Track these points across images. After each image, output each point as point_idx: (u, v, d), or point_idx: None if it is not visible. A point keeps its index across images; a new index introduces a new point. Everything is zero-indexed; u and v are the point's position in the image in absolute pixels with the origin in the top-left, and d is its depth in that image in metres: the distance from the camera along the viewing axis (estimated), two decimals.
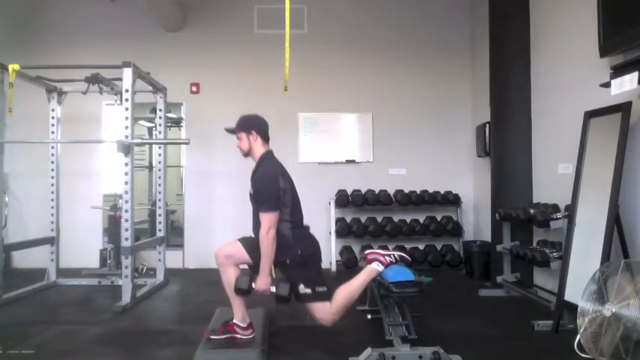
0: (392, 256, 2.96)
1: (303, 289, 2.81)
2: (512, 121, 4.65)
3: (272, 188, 2.83)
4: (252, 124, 3.00)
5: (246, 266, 2.99)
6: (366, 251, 3.14)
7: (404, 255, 3.00)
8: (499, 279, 4.53)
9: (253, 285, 2.82)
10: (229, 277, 2.88)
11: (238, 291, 2.84)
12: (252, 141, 2.97)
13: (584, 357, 2.78)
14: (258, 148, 2.99)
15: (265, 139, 3.02)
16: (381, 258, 2.96)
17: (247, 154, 3.02)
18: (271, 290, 2.81)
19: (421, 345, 2.72)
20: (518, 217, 4.14)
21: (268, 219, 2.76)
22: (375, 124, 6.25)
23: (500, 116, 4.79)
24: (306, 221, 3.03)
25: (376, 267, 2.95)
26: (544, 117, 4.40)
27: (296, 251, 2.85)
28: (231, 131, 3.03)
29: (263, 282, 2.79)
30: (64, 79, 4.88)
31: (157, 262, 5.14)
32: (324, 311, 2.85)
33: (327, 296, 2.87)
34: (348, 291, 2.93)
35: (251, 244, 2.88)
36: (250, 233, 2.99)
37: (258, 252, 2.79)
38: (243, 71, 6.15)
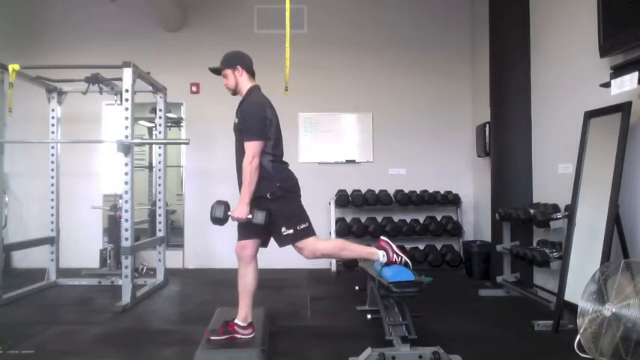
0: (400, 258, 2.93)
1: (285, 230, 2.79)
2: (512, 121, 4.65)
3: (259, 116, 2.81)
4: (237, 60, 2.97)
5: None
6: (383, 237, 3.10)
7: (409, 263, 2.96)
8: (499, 279, 4.53)
9: (229, 214, 2.77)
10: (246, 273, 2.90)
11: (214, 220, 2.78)
12: (238, 76, 2.95)
13: (584, 357, 2.78)
14: (245, 83, 2.96)
15: (251, 73, 3.00)
16: (390, 253, 2.94)
17: (235, 91, 3.00)
18: (247, 218, 2.74)
19: (421, 345, 2.72)
20: (518, 217, 4.13)
21: (253, 147, 2.74)
22: (375, 124, 6.25)
23: (500, 116, 4.79)
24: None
25: (380, 256, 2.93)
26: (544, 117, 4.40)
27: (275, 184, 2.81)
28: (216, 70, 3.01)
29: (241, 210, 2.74)
30: (64, 79, 4.88)
31: (157, 262, 5.13)
32: (307, 245, 2.84)
33: (310, 232, 2.86)
34: (342, 247, 2.96)
35: (243, 226, 2.87)
36: None
37: (249, 224, 2.76)
38: None
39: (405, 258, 2.95)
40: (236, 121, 2.91)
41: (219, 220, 2.80)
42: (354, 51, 6.24)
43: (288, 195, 2.86)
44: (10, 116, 4.34)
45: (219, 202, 2.81)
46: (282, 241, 2.83)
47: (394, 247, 2.98)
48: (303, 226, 2.84)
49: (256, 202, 2.78)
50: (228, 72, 2.95)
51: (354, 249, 3.03)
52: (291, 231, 2.80)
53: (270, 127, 2.84)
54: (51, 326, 3.53)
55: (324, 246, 2.92)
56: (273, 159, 2.85)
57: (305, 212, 2.91)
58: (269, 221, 2.74)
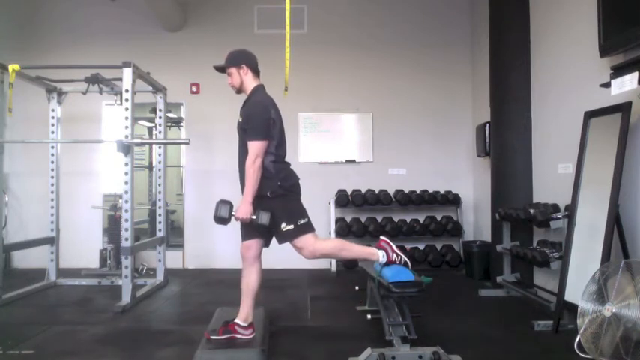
0: (400, 258, 2.94)
1: (285, 226, 2.80)
2: (512, 121, 4.65)
3: (263, 117, 2.81)
4: (242, 58, 2.97)
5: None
6: (383, 237, 3.10)
7: (409, 263, 2.96)
8: (499, 279, 4.53)
9: (233, 214, 2.78)
10: (250, 273, 2.92)
11: (218, 220, 2.79)
12: (242, 75, 2.95)
13: (584, 357, 2.78)
14: (250, 82, 2.97)
15: (256, 72, 3.00)
16: (390, 253, 2.94)
17: (239, 89, 3.00)
18: (251, 218, 2.76)
19: (421, 345, 2.72)
20: (518, 217, 4.13)
21: (256, 147, 2.75)
22: (375, 124, 6.25)
23: (500, 116, 4.79)
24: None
25: (380, 256, 2.93)
26: (544, 117, 4.40)
27: (276, 183, 2.82)
28: (220, 68, 3.00)
29: (244, 210, 2.75)
30: (64, 79, 4.87)
31: (157, 262, 5.14)
32: (307, 244, 2.85)
33: (309, 228, 2.87)
34: (341, 247, 2.97)
35: (246, 226, 2.88)
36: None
37: (252, 224, 2.77)
38: None
39: (404, 257, 2.96)
40: (240, 120, 2.92)
41: (223, 220, 2.80)
42: (354, 51, 6.24)
43: (288, 194, 2.88)
44: (10, 116, 4.33)
45: (223, 202, 2.81)
46: (282, 238, 2.84)
47: (394, 246, 2.99)
48: (302, 222, 2.85)
49: (257, 201, 2.79)
50: (233, 70, 2.95)
51: (354, 249, 3.04)
52: (291, 226, 2.81)
53: (273, 127, 2.85)
54: (51, 326, 3.53)
55: (323, 246, 2.93)
56: (275, 159, 2.86)
57: (304, 210, 2.92)
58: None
